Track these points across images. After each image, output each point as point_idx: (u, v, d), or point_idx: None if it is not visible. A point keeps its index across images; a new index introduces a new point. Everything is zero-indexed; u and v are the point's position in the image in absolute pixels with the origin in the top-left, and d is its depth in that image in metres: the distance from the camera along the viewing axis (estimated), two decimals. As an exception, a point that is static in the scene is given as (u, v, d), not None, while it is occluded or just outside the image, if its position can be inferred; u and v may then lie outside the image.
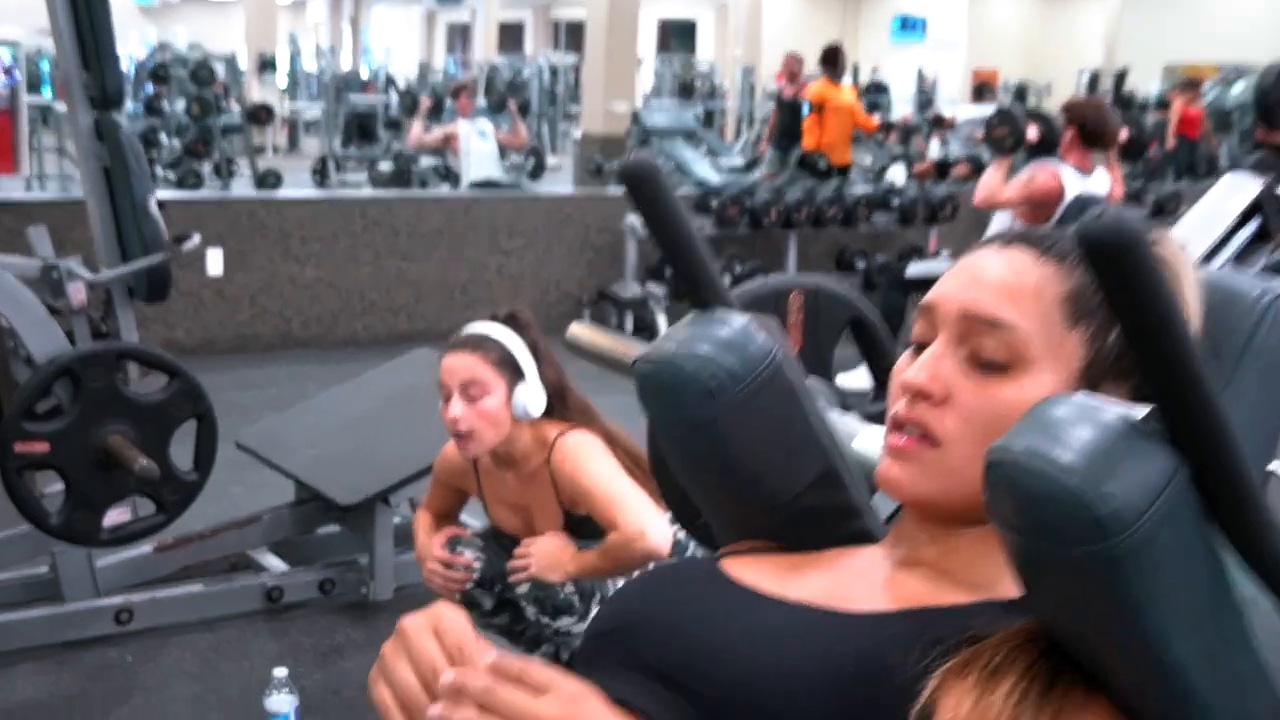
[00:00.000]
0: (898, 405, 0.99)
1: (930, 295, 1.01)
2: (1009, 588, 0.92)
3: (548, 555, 2.63)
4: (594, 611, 2.61)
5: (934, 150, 12.47)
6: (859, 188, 8.60)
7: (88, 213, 3.53)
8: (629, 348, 1.74)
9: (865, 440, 1.38)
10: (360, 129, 13.66)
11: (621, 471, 2.60)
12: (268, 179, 11.06)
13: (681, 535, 2.76)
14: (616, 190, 8.19)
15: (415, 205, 7.30)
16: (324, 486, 3.68)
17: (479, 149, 8.66)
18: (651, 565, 2.68)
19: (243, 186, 11.29)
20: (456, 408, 2.60)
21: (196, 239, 3.33)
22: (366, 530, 3.71)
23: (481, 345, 2.63)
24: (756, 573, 1.01)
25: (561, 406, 2.69)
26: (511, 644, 2.89)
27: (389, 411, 3.99)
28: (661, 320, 7.47)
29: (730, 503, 1.10)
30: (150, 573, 3.63)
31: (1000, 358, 0.95)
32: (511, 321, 2.70)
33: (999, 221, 5.97)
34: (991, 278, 0.97)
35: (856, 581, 0.98)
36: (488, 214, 7.42)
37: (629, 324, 7.48)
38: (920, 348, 1.01)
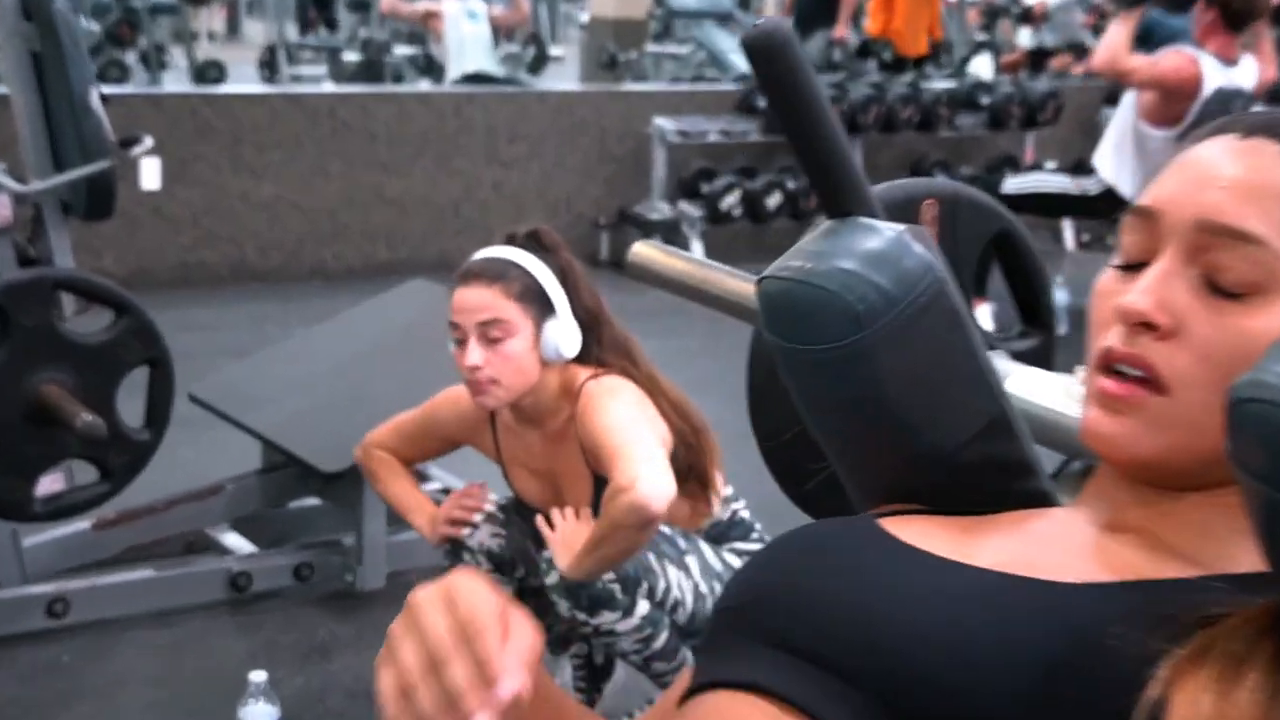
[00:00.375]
0: (1108, 338, 0.97)
1: (1150, 198, 0.99)
2: (1241, 561, 0.91)
3: (564, 539, 2.63)
4: (640, 606, 2.60)
5: (1024, 39, 12.36)
6: (937, 83, 8.53)
7: (12, 110, 3.49)
8: (712, 272, 1.72)
9: (1020, 383, 1.37)
10: (319, 8, 13.57)
11: (643, 422, 2.59)
12: (208, 72, 11.00)
13: (745, 512, 2.75)
14: (639, 86, 8.14)
15: (395, 104, 7.26)
16: (300, 450, 3.68)
17: (469, 33, 8.59)
18: (659, 529, 2.68)
19: (177, 81, 11.23)
20: (475, 353, 2.59)
21: (148, 142, 3.30)
22: (353, 504, 3.71)
23: (502, 275, 2.62)
24: (924, 535, 1.01)
25: (596, 345, 2.69)
26: None
27: (379, 357, 3.98)
28: (697, 248, 7.43)
29: (877, 457, 1.11)
30: (89, 555, 3.63)
31: (1246, 279, 0.92)
32: (534, 243, 2.69)
33: (1123, 115, 5.91)
34: (1232, 178, 0.95)
35: (1052, 547, 0.98)
36: (483, 115, 7.37)
37: (657, 251, 7.42)
38: (1130, 268, 0.99)
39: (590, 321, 2.69)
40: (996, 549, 0.98)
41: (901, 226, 1.10)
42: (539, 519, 2.68)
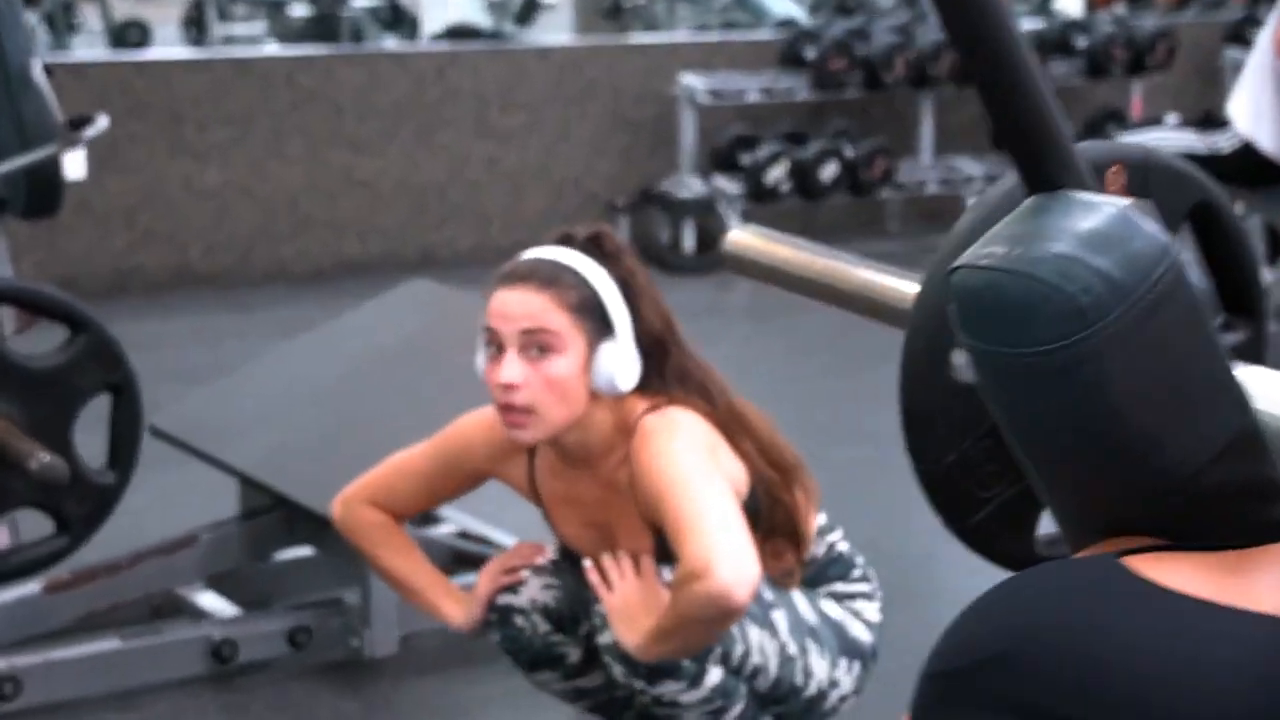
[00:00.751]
0: None
1: None
2: None
3: (625, 607, 2.64)
4: (711, 675, 2.63)
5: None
6: (1022, 23, 8.56)
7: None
8: (837, 262, 1.75)
9: (1249, 385, 1.39)
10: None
11: (712, 473, 2.59)
12: (128, 34, 11.04)
13: (843, 545, 2.78)
14: (658, 37, 8.18)
15: (365, 67, 7.30)
16: (290, 488, 3.69)
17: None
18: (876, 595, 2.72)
19: (90, 46, 11.27)
20: (514, 367, 2.60)
21: (103, 123, 3.34)
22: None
23: (556, 281, 2.63)
24: (1181, 576, 1.03)
25: (658, 376, 2.69)
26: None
27: (377, 375, 4.00)
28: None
29: (1101, 481, 1.11)
30: (41, 624, 3.63)
31: None
32: (594, 247, 2.69)
33: (1260, 56, 5.94)
34: None
35: None
36: (471, 78, 7.39)
37: (689, 239, 7.48)
38: None
39: (654, 346, 2.68)
40: (1273, 591, 1.01)
41: (1124, 200, 1.11)
42: (589, 568, 2.69)
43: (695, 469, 2.57)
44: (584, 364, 2.61)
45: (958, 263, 1.13)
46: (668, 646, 2.57)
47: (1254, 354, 1.59)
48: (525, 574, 2.84)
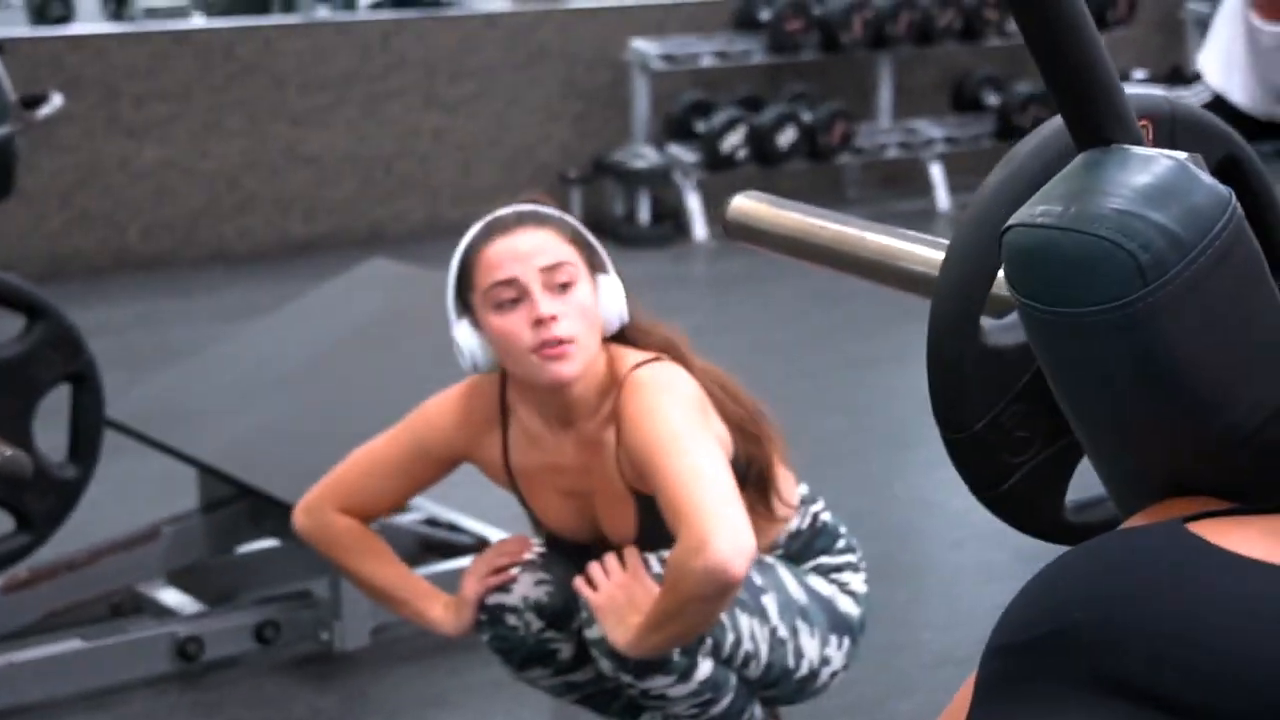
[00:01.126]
0: None
1: None
2: None
3: (612, 604, 2.64)
4: (701, 668, 2.63)
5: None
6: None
7: None
8: (854, 229, 1.73)
9: None
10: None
11: (710, 440, 2.60)
12: (49, 9, 10.91)
13: (827, 515, 2.78)
14: (608, 1, 8.12)
15: (307, 37, 7.28)
16: (256, 478, 3.68)
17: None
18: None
19: (10, 23, 11.14)
20: (547, 302, 2.60)
21: (58, 100, 3.28)
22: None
23: (548, 218, 2.68)
24: (1254, 542, 1.03)
25: (633, 328, 2.73)
26: (603, 715, 2.90)
27: (341, 359, 3.99)
28: (694, 201, 7.45)
29: (1160, 442, 1.11)
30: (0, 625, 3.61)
31: None
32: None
33: (1231, 5, 5.96)
34: None
35: None
36: (417, 46, 7.38)
37: (644, 210, 7.46)
38: None
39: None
40: None
41: (1182, 154, 1.11)
42: (578, 582, 2.68)
43: (689, 429, 2.58)
44: (595, 297, 2.65)
45: (1011, 222, 1.12)
46: (660, 636, 2.57)
47: None
48: (516, 571, 2.81)
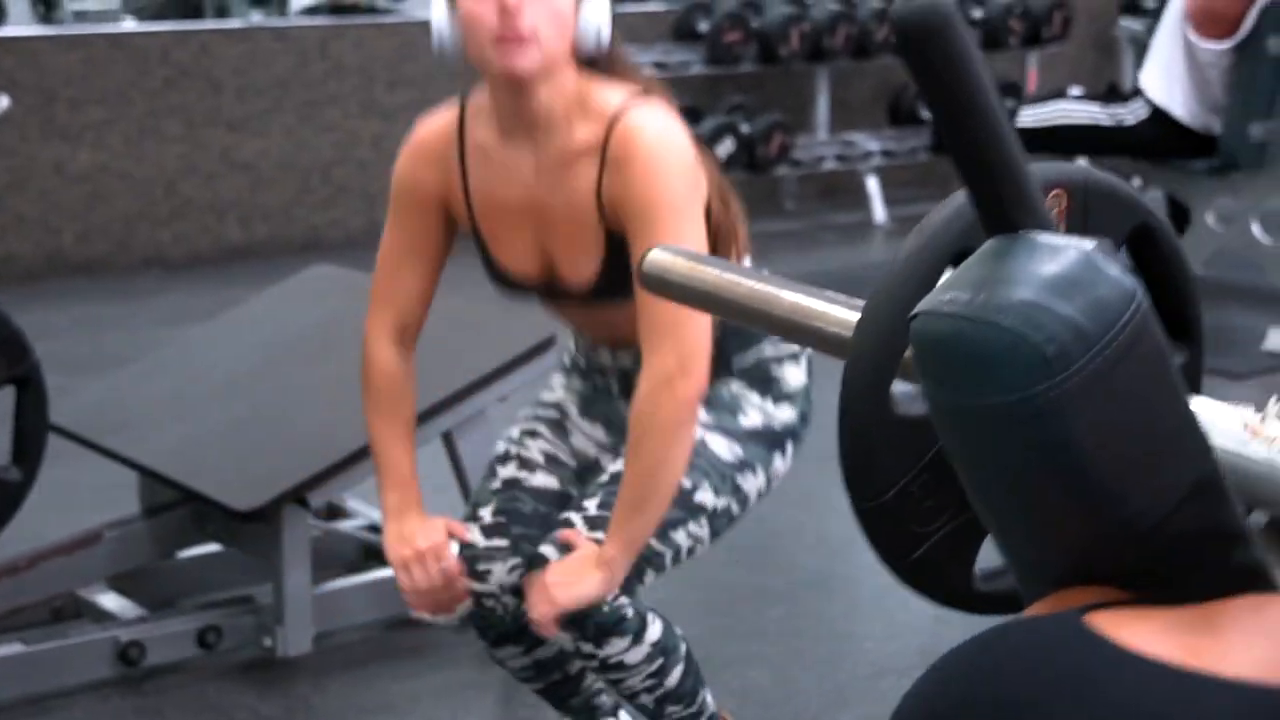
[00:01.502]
0: None
1: None
2: None
3: (569, 574, 2.67)
4: (651, 629, 2.71)
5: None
6: (917, -6, 8.66)
7: None
8: (771, 288, 1.71)
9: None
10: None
11: (699, 210, 2.66)
12: (-22, 9, 10.83)
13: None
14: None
15: (246, 42, 7.29)
16: (200, 483, 3.70)
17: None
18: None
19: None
20: None
21: (4, 102, 3.32)
22: (269, 549, 3.72)
23: None
24: (1149, 636, 1.05)
25: (613, 60, 2.73)
26: (562, 712, 2.98)
27: (285, 366, 4.02)
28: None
29: (1063, 530, 1.13)
30: (-61, 629, 3.63)
31: None
32: None
33: (1169, 22, 6.07)
34: None
35: None
36: (356, 53, 7.41)
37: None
38: None
39: None
40: (1244, 651, 1.03)
41: (1088, 242, 1.12)
42: (528, 586, 2.70)
43: (688, 209, 2.64)
44: (575, 7, 2.64)
45: (919, 308, 1.14)
46: (639, 517, 2.63)
47: (1193, 379, 1.65)
48: (479, 541, 2.84)
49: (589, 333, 2.92)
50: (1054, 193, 1.51)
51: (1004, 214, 1.15)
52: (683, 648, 2.78)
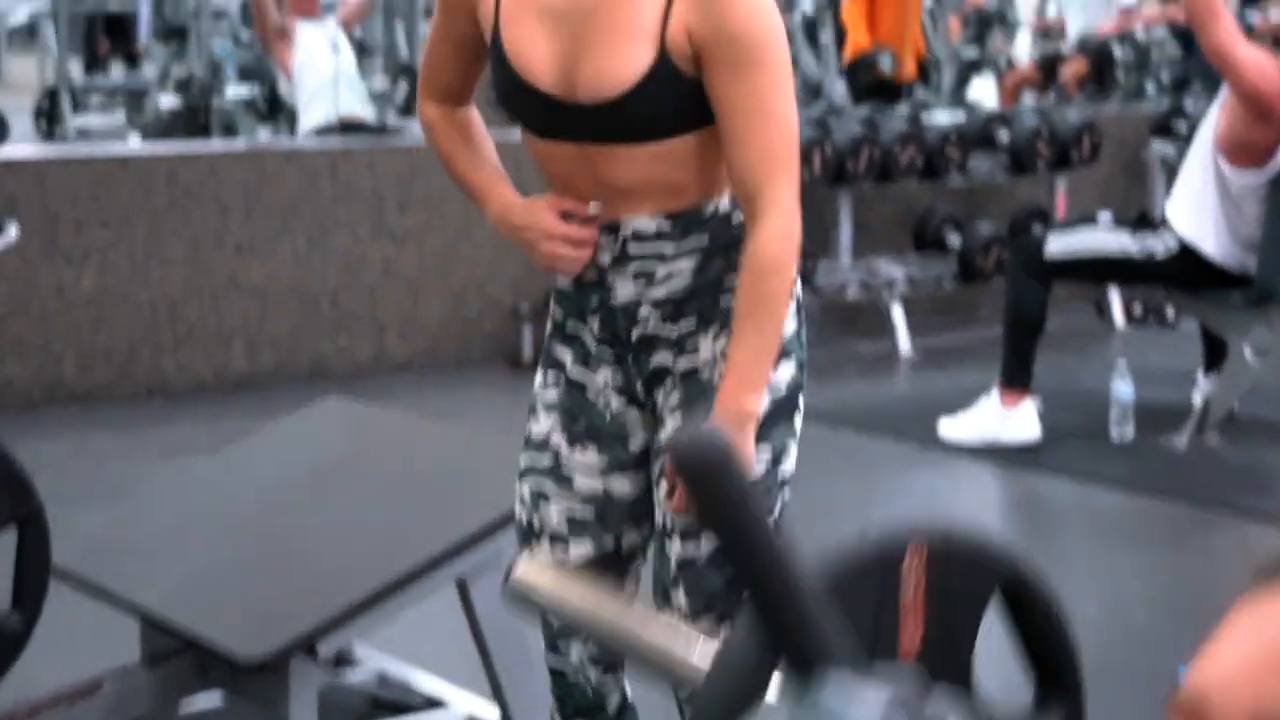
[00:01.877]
0: None
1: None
2: None
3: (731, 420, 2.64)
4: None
5: (1024, 47, 12.61)
6: (939, 115, 8.67)
7: None
8: (625, 612, 1.84)
9: None
10: (112, 38, 13.53)
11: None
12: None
13: None
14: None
15: (254, 164, 7.31)
16: (204, 629, 3.63)
17: (332, 69, 8.64)
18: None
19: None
20: None
21: (13, 233, 3.27)
22: (276, 700, 3.66)
23: None
24: None
25: None
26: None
27: (295, 503, 3.96)
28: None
29: None
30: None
31: None
32: None
33: (1200, 150, 6.04)
34: None
35: None
36: (367, 175, 7.42)
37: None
38: None
39: None
40: None
41: (884, 693, 1.14)
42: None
43: (788, 89, 2.68)
44: None
45: None
46: (763, 340, 2.66)
47: None
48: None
49: (577, 186, 2.82)
50: (911, 550, 1.65)
51: (794, 650, 1.25)
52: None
